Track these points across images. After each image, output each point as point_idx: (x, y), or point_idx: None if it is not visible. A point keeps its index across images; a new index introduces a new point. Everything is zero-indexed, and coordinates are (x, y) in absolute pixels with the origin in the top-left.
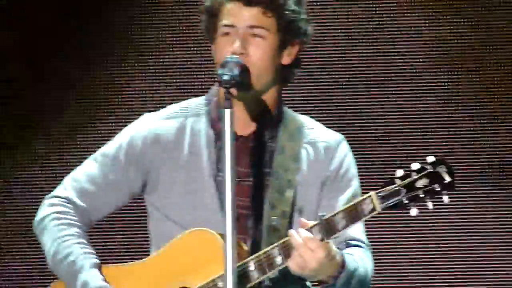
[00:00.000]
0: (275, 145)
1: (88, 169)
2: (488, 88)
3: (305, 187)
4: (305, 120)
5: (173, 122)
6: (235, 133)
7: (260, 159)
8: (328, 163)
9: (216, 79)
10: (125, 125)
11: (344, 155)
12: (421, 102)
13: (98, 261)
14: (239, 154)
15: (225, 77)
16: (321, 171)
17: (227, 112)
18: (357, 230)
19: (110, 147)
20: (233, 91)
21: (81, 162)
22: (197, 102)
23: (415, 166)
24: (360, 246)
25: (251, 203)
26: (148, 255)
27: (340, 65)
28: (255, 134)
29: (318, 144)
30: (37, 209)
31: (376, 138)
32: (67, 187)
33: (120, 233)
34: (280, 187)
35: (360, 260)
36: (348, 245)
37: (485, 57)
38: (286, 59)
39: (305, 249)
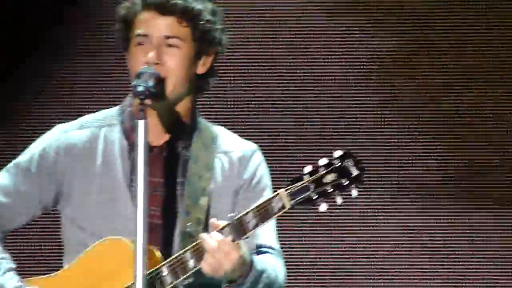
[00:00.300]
0: (189, 154)
1: (0, 180)
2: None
3: (219, 195)
4: (220, 131)
5: (86, 132)
6: (149, 144)
7: (173, 169)
8: (241, 172)
9: (130, 90)
10: None
11: (257, 165)
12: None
13: (13, 265)
14: (152, 164)
15: (140, 88)
16: (234, 180)
17: (141, 123)
18: (269, 237)
19: (22, 158)
20: (147, 102)
21: None
22: (110, 112)
23: (323, 161)
24: (271, 253)
25: (164, 212)
26: (62, 266)
27: (250, 71)
28: (168, 144)
29: (232, 154)
30: None
31: (290, 139)
32: None
33: (34, 244)
34: (194, 194)
35: (270, 264)
36: (259, 252)
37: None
38: (201, 69)
39: (219, 252)
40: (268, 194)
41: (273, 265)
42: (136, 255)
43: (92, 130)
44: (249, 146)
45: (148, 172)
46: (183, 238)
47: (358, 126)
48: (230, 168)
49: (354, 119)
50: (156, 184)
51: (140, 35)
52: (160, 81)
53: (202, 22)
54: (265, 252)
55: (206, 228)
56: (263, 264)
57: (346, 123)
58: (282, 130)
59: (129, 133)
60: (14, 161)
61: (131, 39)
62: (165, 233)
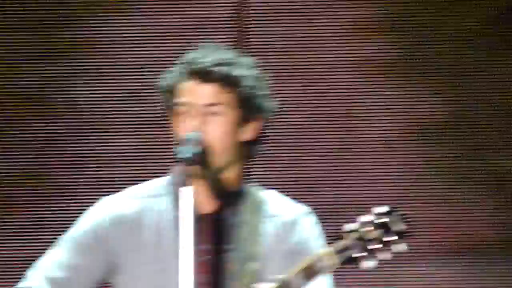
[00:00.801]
0: (237, 220)
1: (54, 256)
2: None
3: (268, 260)
4: (270, 195)
5: (136, 203)
6: (198, 212)
7: (222, 236)
8: (289, 236)
9: (176, 157)
10: None
11: (306, 228)
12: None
13: None
14: (201, 231)
15: (184, 155)
16: (283, 244)
17: (188, 189)
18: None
19: (74, 232)
20: (195, 168)
21: None
22: (159, 182)
23: (367, 218)
24: None
25: (216, 279)
26: None
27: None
28: (216, 211)
29: (278, 219)
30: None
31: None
32: (35, 277)
33: None
34: (243, 260)
35: None
36: None
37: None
38: (247, 136)
39: None
40: None
41: None
42: None
43: (141, 201)
44: (299, 209)
45: (196, 240)
46: None
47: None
48: (278, 232)
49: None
50: (206, 252)
51: (184, 104)
52: (205, 149)
53: (244, 89)
54: None
55: None
56: None
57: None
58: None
59: (177, 203)
60: (65, 236)
61: (175, 108)
62: None
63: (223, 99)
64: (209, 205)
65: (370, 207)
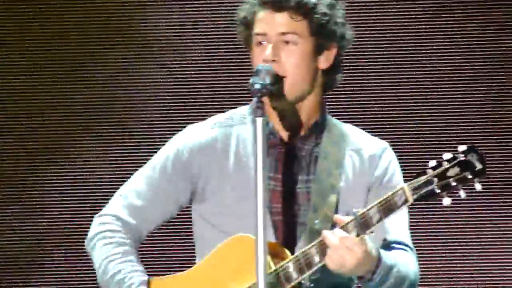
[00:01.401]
0: (318, 151)
1: (135, 185)
2: None
3: (350, 192)
4: (349, 128)
5: (219, 131)
6: (281, 139)
7: (302, 166)
8: (372, 170)
9: (249, 88)
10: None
11: (389, 162)
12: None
13: (146, 278)
14: (282, 160)
15: (256, 86)
16: (365, 177)
17: (259, 121)
18: (402, 234)
19: (156, 160)
20: (265, 99)
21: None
22: (241, 112)
23: (447, 155)
24: (403, 250)
25: (296, 209)
26: (194, 263)
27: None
28: (298, 141)
29: (363, 151)
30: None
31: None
32: (116, 204)
33: (166, 244)
34: (323, 191)
35: (401, 260)
36: (392, 249)
37: None
38: (323, 64)
39: (342, 248)
40: None
41: (404, 261)
42: (257, 251)
43: (224, 129)
44: (380, 144)
45: (277, 169)
46: (311, 235)
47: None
48: (361, 165)
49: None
50: (286, 181)
51: (259, 34)
52: (278, 80)
53: (317, 16)
54: (397, 249)
55: (334, 225)
56: (393, 259)
57: (473, 118)
58: (409, 125)
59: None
60: (148, 164)
61: (251, 39)
62: (298, 230)
63: (297, 27)
64: (286, 135)
65: (450, 146)
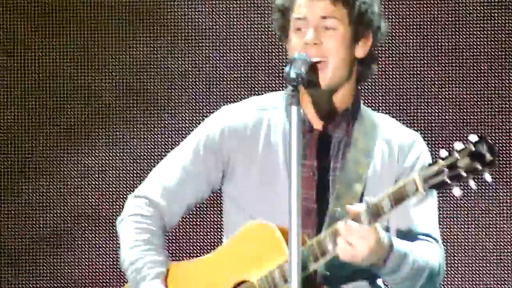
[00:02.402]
0: (348, 139)
1: (168, 166)
2: None
3: (377, 182)
4: (382, 118)
5: (251, 115)
6: (311, 126)
7: (332, 153)
8: (402, 161)
9: (284, 77)
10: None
11: (419, 154)
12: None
13: (163, 269)
14: (311, 147)
15: (292, 75)
16: (395, 167)
17: (294, 109)
18: (427, 226)
19: (188, 142)
20: (301, 88)
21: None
22: (276, 96)
23: (458, 146)
24: (427, 241)
25: (319, 196)
26: (221, 243)
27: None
28: (328, 128)
29: (393, 142)
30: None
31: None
32: (149, 185)
33: (193, 229)
34: (349, 180)
35: (420, 249)
36: (417, 239)
37: None
38: (359, 52)
39: (353, 237)
40: None
41: (424, 251)
42: (290, 238)
43: (257, 113)
44: (411, 135)
45: (305, 155)
46: (331, 223)
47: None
48: (390, 155)
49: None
50: (313, 168)
51: (298, 19)
52: (314, 69)
53: (358, 3)
54: (422, 240)
55: None
56: (409, 248)
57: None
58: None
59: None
60: (180, 145)
61: (289, 27)
62: (319, 217)
63: (337, 13)
64: (319, 123)
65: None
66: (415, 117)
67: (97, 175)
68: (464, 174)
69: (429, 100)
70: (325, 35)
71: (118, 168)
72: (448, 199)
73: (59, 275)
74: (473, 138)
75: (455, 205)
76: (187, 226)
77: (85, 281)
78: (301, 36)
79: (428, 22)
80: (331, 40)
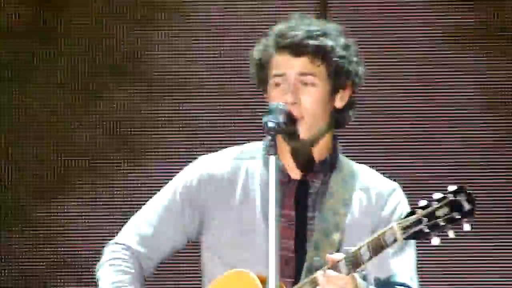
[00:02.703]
0: (325, 189)
1: (146, 214)
2: None
3: (355, 231)
4: (360, 168)
5: (229, 163)
6: (289, 176)
7: (309, 203)
8: (380, 209)
9: (263, 125)
10: None
11: (397, 203)
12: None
13: None
14: (288, 197)
15: (270, 124)
16: (373, 216)
17: (272, 158)
18: (406, 276)
19: (166, 190)
20: (279, 137)
21: None
22: (254, 146)
23: (437, 195)
24: None
25: (298, 245)
26: None
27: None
28: (306, 178)
29: (371, 190)
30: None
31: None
32: (127, 233)
33: (173, 274)
34: (327, 230)
35: None
36: None
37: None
38: (339, 103)
39: (333, 287)
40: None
41: None
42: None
43: (234, 162)
44: (390, 184)
45: (283, 205)
46: (309, 272)
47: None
48: (368, 204)
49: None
50: (291, 218)
51: (276, 76)
52: (292, 121)
53: (335, 59)
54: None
55: None
56: None
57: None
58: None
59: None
60: (159, 193)
61: (267, 81)
62: (298, 266)
63: (315, 70)
64: (297, 172)
65: (441, 185)
66: (396, 167)
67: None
68: (442, 223)
69: (410, 151)
70: (303, 92)
71: (102, 213)
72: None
73: None
74: (452, 188)
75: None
76: (164, 274)
77: None
78: (279, 91)
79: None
80: (310, 98)
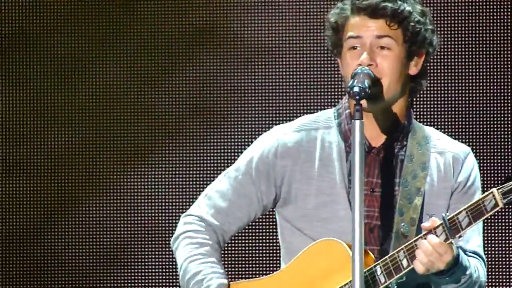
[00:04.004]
0: (404, 154)
1: (220, 186)
2: None
3: (434, 195)
4: (433, 131)
5: (303, 134)
6: (369, 145)
7: (390, 169)
8: (456, 174)
9: (347, 91)
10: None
11: (472, 168)
12: None
13: (225, 281)
14: (370, 165)
15: (356, 89)
16: (449, 181)
17: (357, 123)
18: (475, 243)
19: (241, 162)
20: (363, 102)
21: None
22: (326, 114)
23: None
24: (475, 258)
25: (382, 212)
26: (278, 268)
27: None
28: (385, 144)
29: (446, 154)
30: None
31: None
32: (201, 205)
33: (248, 247)
34: (409, 194)
35: (475, 265)
36: (467, 256)
37: None
38: (413, 70)
39: (434, 254)
40: (478, 196)
41: (477, 267)
42: (354, 257)
43: (309, 133)
44: (463, 148)
45: (365, 173)
46: (397, 238)
47: None
48: (445, 168)
49: None
50: (374, 185)
51: (353, 37)
52: (376, 82)
53: (412, 24)
54: (470, 257)
55: (418, 228)
56: (469, 262)
57: None
58: (494, 130)
59: (346, 136)
60: (233, 166)
61: (343, 44)
62: (383, 233)
63: (392, 33)
64: (377, 139)
65: None
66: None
67: (151, 193)
68: None
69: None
70: (379, 55)
71: (172, 187)
72: None
73: None
74: None
75: None
76: (242, 245)
77: None
78: (355, 54)
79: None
80: (386, 61)
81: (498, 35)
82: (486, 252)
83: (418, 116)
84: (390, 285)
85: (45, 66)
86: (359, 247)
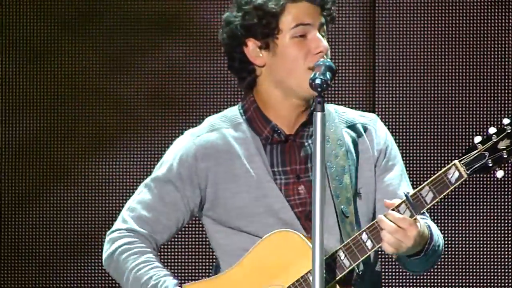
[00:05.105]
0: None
1: (142, 197)
2: None
3: (359, 169)
4: (335, 106)
5: (217, 134)
6: (284, 133)
7: (311, 153)
8: (372, 143)
9: (308, 83)
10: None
11: (384, 133)
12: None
13: (177, 280)
14: (290, 153)
15: (318, 81)
16: (368, 151)
17: (319, 115)
18: (407, 189)
19: (160, 171)
20: (274, 92)
21: None
22: (232, 112)
23: (492, 130)
24: (427, 218)
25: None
26: (214, 271)
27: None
28: (299, 130)
29: (357, 126)
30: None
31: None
32: (126, 218)
33: (180, 253)
34: (337, 176)
35: (433, 226)
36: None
37: None
38: None
39: (398, 230)
40: (400, 159)
41: (435, 227)
42: (314, 247)
43: (222, 131)
44: (370, 116)
45: (287, 162)
46: (341, 220)
47: None
48: (360, 140)
49: None
50: (298, 171)
51: (303, 24)
52: (335, 73)
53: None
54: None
55: (355, 206)
56: (435, 232)
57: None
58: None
59: (259, 129)
60: (151, 176)
61: (277, 33)
62: (326, 218)
63: (325, 20)
64: (290, 127)
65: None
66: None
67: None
68: (506, 156)
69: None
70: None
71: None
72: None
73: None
74: (507, 120)
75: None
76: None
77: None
78: (303, 43)
79: None
80: (328, 49)
81: (491, 35)
82: (478, 251)
83: (414, 117)
84: (356, 268)
85: (7, 52)
86: (319, 235)
